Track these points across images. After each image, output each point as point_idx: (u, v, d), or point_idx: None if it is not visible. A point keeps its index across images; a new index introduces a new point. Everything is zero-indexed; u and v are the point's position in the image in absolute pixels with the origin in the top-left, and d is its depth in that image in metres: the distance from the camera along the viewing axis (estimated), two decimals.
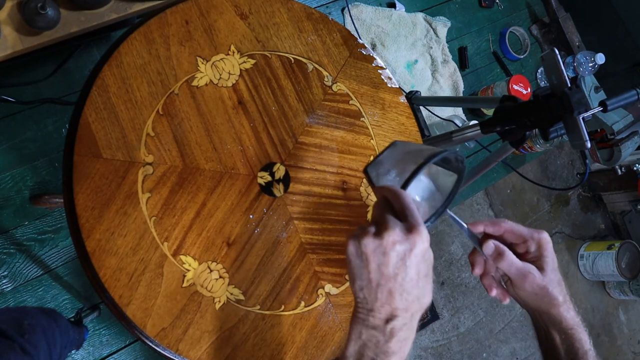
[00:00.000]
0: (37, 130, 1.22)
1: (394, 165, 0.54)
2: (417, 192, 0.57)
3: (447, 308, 2.10)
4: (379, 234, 0.46)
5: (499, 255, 0.58)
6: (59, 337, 0.83)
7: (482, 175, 1.15)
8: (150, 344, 0.65)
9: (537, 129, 0.89)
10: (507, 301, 0.63)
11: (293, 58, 0.82)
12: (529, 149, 1.64)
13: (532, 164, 2.39)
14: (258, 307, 0.72)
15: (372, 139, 0.86)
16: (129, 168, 0.67)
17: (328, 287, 0.77)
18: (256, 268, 0.72)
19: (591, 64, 1.72)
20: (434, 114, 1.44)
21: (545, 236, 0.60)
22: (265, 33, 0.81)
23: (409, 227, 0.47)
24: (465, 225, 0.60)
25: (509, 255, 0.58)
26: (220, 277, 0.70)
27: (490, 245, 0.59)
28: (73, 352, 1.22)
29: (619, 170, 2.23)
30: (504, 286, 0.63)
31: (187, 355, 0.66)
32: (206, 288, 0.69)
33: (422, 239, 0.47)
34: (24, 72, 1.21)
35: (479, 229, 0.61)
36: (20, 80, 1.20)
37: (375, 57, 0.89)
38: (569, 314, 0.61)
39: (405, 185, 0.50)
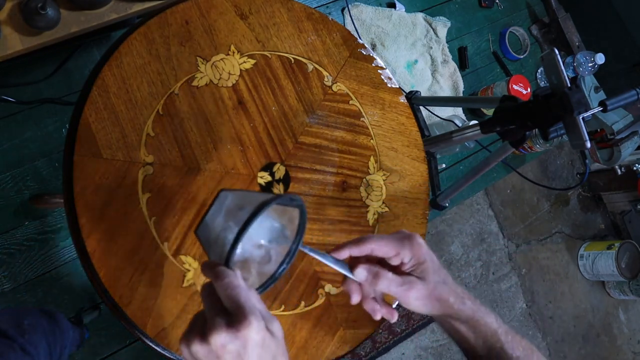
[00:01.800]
0: (37, 130, 1.22)
1: (219, 233, 0.47)
2: (263, 235, 0.51)
3: None
4: (205, 337, 0.41)
5: (374, 278, 0.54)
6: (59, 337, 0.83)
7: (482, 175, 1.15)
8: (150, 344, 0.65)
9: (537, 129, 0.89)
10: (394, 319, 0.59)
11: (293, 58, 0.82)
12: (529, 149, 1.64)
13: (532, 164, 2.39)
14: None
15: (372, 139, 0.86)
16: (129, 168, 0.67)
17: (328, 287, 0.77)
18: None
19: (591, 64, 1.72)
20: (434, 114, 1.44)
21: (417, 240, 0.56)
22: (265, 33, 0.81)
23: (236, 321, 0.41)
24: (328, 256, 0.55)
25: (384, 275, 0.54)
26: None
27: (361, 272, 0.55)
28: (73, 352, 1.22)
29: (619, 170, 2.23)
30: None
31: None
32: None
33: (254, 330, 0.41)
34: (24, 72, 1.21)
35: (344, 254, 0.56)
36: (20, 80, 1.20)
37: (375, 57, 0.89)
38: (465, 306, 0.58)
39: (227, 261, 0.44)
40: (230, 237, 0.44)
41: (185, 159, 0.71)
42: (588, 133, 0.80)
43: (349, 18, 1.52)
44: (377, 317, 0.59)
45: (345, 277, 0.57)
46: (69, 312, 1.23)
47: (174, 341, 0.65)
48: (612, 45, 1.87)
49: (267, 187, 0.75)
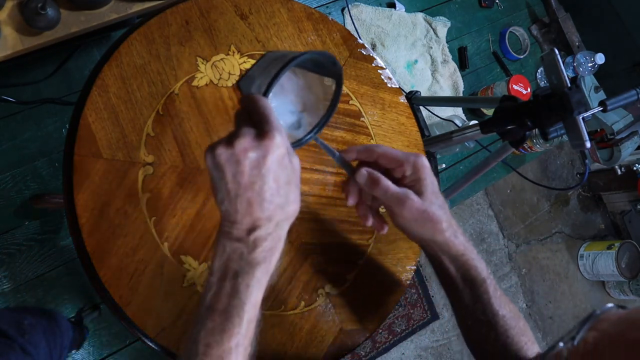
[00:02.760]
0: (37, 130, 1.23)
1: (261, 75, 0.50)
2: (299, 105, 0.54)
3: (447, 308, 2.10)
4: (230, 142, 0.44)
5: (373, 182, 0.55)
6: (59, 337, 0.83)
7: (482, 175, 1.15)
8: (150, 344, 0.65)
9: (537, 129, 0.89)
10: (384, 231, 0.59)
11: None
12: (528, 149, 1.64)
13: (532, 164, 2.39)
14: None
15: (372, 139, 0.86)
16: (129, 168, 0.67)
17: (328, 287, 0.77)
18: None
19: (591, 64, 1.72)
20: (434, 114, 1.44)
21: (422, 159, 0.56)
22: (266, 33, 0.81)
23: (262, 133, 0.44)
24: (336, 153, 0.56)
25: (384, 181, 0.55)
26: None
27: (362, 173, 0.55)
28: (73, 352, 1.22)
29: (619, 170, 2.23)
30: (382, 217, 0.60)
31: None
32: None
33: (276, 144, 0.44)
34: (24, 72, 1.21)
35: (351, 156, 0.58)
36: (20, 80, 1.20)
37: (375, 57, 0.89)
38: (457, 239, 0.58)
39: (266, 92, 0.47)
40: (264, 84, 0.47)
41: (185, 159, 0.71)
42: (588, 133, 0.80)
43: (349, 18, 1.52)
44: (368, 223, 0.59)
45: (347, 178, 0.58)
46: (69, 312, 1.23)
47: (174, 341, 0.65)
48: (612, 45, 1.87)
49: None
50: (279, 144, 0.44)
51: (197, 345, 0.45)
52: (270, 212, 0.45)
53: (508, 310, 0.59)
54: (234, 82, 0.77)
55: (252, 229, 0.46)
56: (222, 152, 0.44)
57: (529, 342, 0.60)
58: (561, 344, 0.45)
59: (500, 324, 0.58)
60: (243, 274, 0.46)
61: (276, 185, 0.45)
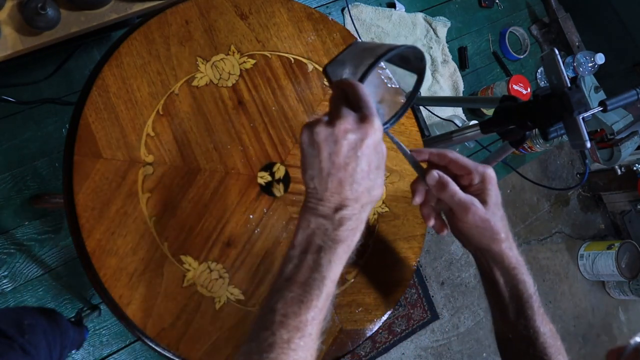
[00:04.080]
0: (37, 130, 1.22)
1: (352, 62, 0.52)
2: (377, 96, 0.56)
3: (447, 308, 2.10)
4: (331, 122, 0.45)
5: (441, 185, 0.57)
6: (59, 337, 0.83)
7: None
8: (150, 344, 0.65)
9: (537, 129, 0.89)
10: (444, 233, 0.61)
11: (293, 58, 0.82)
12: (528, 149, 1.64)
13: (532, 164, 2.39)
14: (258, 307, 0.72)
15: None
16: (129, 168, 0.67)
17: None
18: (256, 268, 0.72)
19: (591, 64, 1.72)
20: (434, 114, 1.44)
21: (491, 171, 0.59)
22: (266, 33, 0.81)
23: (362, 117, 0.46)
24: (408, 152, 0.58)
25: (452, 185, 0.56)
26: (221, 277, 0.70)
27: (433, 175, 0.57)
28: (73, 352, 1.22)
29: (619, 170, 2.23)
30: (445, 219, 0.62)
31: (187, 355, 0.66)
32: (206, 288, 0.69)
33: (375, 129, 0.46)
34: (24, 72, 1.21)
35: (423, 156, 0.60)
36: (20, 80, 1.20)
37: None
38: (512, 252, 0.59)
39: (362, 79, 0.49)
40: (363, 67, 0.49)
41: (185, 159, 0.71)
42: (588, 133, 0.80)
43: (349, 18, 1.52)
44: (430, 224, 0.62)
45: (416, 178, 0.60)
46: (69, 312, 1.23)
47: (174, 341, 0.65)
48: (612, 45, 1.87)
49: (267, 187, 0.75)
50: (377, 129, 0.46)
51: (273, 314, 0.46)
52: (358, 194, 0.47)
53: (548, 329, 0.61)
54: (233, 82, 0.77)
55: (339, 207, 0.47)
56: (321, 131, 0.45)
57: None
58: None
59: (540, 341, 0.60)
60: (326, 249, 0.47)
61: (368, 168, 0.46)
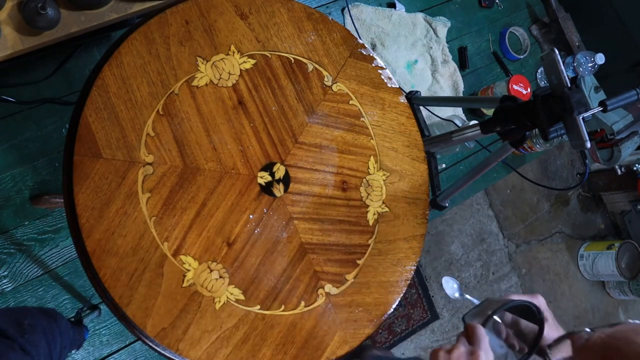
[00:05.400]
0: (37, 130, 1.22)
1: (480, 312, 0.67)
2: (504, 343, 0.67)
3: (447, 308, 2.10)
4: (450, 351, 0.61)
5: None
6: (59, 337, 0.83)
7: (482, 176, 1.15)
8: (150, 344, 0.65)
9: (537, 129, 0.89)
10: None
11: (293, 58, 0.82)
12: (529, 149, 1.64)
13: (532, 164, 2.39)
14: (258, 307, 0.72)
15: (372, 138, 0.86)
16: (129, 168, 0.67)
17: (328, 287, 0.77)
18: (256, 268, 0.72)
19: (591, 64, 1.72)
20: (434, 114, 1.44)
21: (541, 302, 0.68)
22: (266, 33, 0.81)
23: (472, 351, 0.60)
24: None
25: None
26: (221, 277, 0.70)
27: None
28: (73, 352, 1.22)
29: (619, 170, 2.23)
30: None
31: (187, 355, 0.66)
32: (206, 288, 0.69)
33: (479, 358, 0.59)
34: (24, 72, 1.21)
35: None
36: (20, 80, 1.20)
37: (375, 57, 0.89)
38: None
39: (484, 324, 0.64)
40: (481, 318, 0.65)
41: (185, 159, 0.71)
42: (588, 133, 0.80)
43: (349, 18, 1.52)
44: None
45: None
46: (69, 312, 1.23)
47: (174, 341, 0.65)
48: (612, 45, 1.87)
49: (267, 187, 0.75)
50: (482, 357, 0.59)
51: None
52: None
53: None
54: (233, 82, 0.76)
55: None
56: (442, 356, 0.60)
57: None
58: (587, 329, 0.60)
59: None
60: None
61: None
